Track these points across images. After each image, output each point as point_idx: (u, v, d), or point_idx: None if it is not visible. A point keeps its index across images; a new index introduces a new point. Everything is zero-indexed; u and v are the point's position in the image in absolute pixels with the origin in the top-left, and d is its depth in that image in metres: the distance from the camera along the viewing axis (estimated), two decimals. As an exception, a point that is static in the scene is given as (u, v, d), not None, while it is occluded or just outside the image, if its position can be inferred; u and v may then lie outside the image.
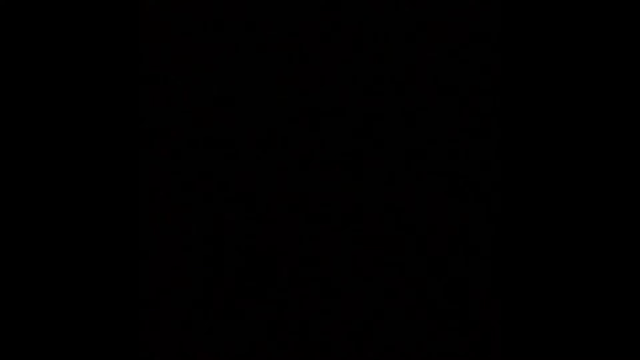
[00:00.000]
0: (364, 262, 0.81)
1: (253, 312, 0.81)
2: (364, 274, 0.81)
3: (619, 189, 0.47)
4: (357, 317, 0.81)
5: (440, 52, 0.69)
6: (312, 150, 0.80)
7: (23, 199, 0.28)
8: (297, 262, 0.81)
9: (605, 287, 0.48)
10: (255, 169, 0.82)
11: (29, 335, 0.30)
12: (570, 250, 0.51)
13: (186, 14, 0.81)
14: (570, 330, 0.46)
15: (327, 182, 0.81)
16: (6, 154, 0.28)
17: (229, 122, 0.82)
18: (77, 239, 0.31)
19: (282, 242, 0.81)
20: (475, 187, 0.71)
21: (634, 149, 0.47)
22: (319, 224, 0.81)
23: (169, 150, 0.81)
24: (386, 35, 0.69)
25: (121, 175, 0.34)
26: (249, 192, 0.82)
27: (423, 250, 0.79)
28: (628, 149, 0.48)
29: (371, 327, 0.81)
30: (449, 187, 0.73)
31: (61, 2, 0.30)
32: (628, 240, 0.47)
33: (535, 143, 0.53)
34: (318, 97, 0.78)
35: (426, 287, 0.79)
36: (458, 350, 0.78)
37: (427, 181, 0.75)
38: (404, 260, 0.80)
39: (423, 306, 0.79)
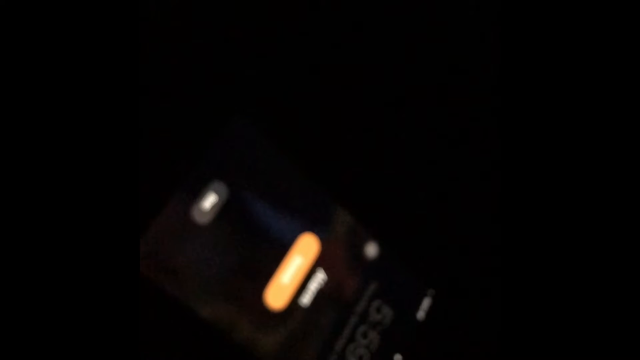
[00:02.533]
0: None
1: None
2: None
3: (620, 188, 0.48)
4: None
5: (438, 51, 0.69)
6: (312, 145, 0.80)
7: (19, 192, 0.28)
8: None
9: (605, 287, 0.48)
10: None
11: (29, 335, 0.30)
12: (571, 249, 0.51)
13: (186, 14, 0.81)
14: (570, 330, 0.46)
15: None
16: (5, 151, 0.28)
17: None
18: (77, 238, 0.31)
19: None
20: (475, 187, 0.71)
21: (634, 148, 0.47)
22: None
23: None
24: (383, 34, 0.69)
25: (122, 175, 0.34)
26: None
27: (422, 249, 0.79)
28: (628, 149, 0.48)
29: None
30: (448, 187, 0.73)
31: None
32: (628, 241, 0.47)
33: (535, 143, 0.53)
34: (312, 95, 0.78)
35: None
36: (458, 349, 0.78)
37: (426, 180, 0.75)
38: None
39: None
